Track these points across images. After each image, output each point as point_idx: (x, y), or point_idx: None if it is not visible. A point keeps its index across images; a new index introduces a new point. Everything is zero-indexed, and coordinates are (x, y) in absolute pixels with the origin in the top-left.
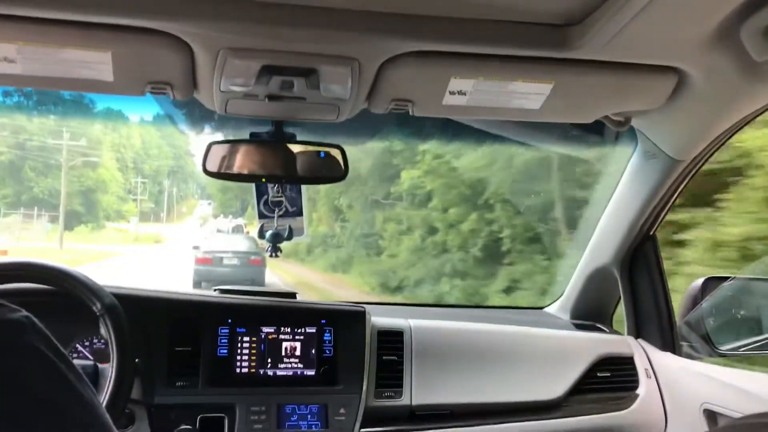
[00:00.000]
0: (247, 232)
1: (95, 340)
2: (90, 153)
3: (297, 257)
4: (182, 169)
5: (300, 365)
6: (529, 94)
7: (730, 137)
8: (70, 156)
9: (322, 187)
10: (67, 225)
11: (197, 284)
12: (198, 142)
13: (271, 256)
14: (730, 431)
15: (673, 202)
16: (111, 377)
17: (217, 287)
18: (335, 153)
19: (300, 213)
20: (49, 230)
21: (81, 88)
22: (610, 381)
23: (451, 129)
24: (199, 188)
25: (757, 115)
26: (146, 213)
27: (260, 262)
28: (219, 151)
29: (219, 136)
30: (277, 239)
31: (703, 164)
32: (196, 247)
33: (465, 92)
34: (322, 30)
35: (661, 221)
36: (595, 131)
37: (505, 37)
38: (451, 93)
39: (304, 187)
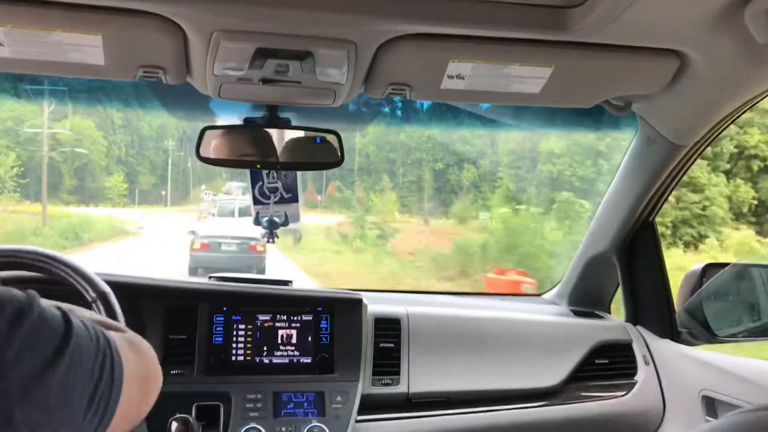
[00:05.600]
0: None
1: None
2: None
3: None
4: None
5: (296, 353)
6: (528, 78)
7: (732, 122)
8: None
9: None
10: None
11: (193, 271)
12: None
13: (268, 241)
14: (740, 418)
15: (673, 188)
16: None
17: (212, 275)
18: (331, 139)
19: (296, 199)
20: None
21: (72, 71)
22: (608, 368)
23: (448, 113)
24: None
25: (760, 99)
26: (145, 192)
27: (262, 248)
28: (213, 137)
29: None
30: (273, 225)
31: (704, 149)
32: (192, 232)
33: (463, 76)
34: (317, 11)
35: (661, 207)
36: (595, 116)
37: (504, 19)
38: (450, 77)
39: (299, 173)
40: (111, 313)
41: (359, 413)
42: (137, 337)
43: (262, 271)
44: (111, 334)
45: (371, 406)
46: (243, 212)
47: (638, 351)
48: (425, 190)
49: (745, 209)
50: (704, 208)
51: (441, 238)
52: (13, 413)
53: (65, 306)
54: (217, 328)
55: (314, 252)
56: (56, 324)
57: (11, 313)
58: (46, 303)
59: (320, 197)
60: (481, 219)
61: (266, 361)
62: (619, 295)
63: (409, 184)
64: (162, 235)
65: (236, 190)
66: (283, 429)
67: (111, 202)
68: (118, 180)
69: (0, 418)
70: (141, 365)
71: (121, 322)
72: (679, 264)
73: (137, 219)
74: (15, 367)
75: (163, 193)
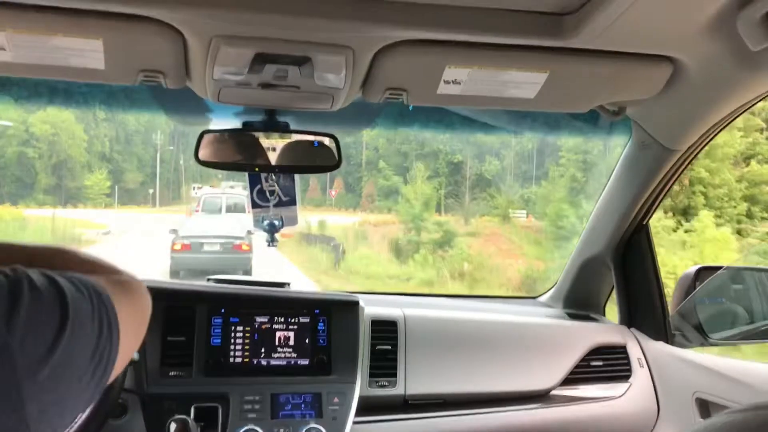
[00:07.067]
0: (249, 212)
1: None
2: None
3: None
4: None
5: (294, 355)
6: (523, 84)
7: (725, 127)
8: None
9: None
10: None
11: (175, 274)
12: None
13: (269, 245)
14: (733, 416)
15: (667, 191)
16: None
17: (210, 277)
18: (329, 142)
19: (294, 202)
20: None
21: (72, 76)
22: (602, 370)
23: (445, 118)
24: None
25: (753, 105)
26: (131, 191)
27: (248, 248)
28: (212, 140)
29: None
30: (273, 228)
31: (697, 154)
32: (173, 231)
33: (460, 81)
34: (315, 18)
35: (654, 211)
36: (589, 121)
37: (500, 26)
38: (446, 82)
39: (297, 177)
40: None
41: (356, 415)
42: (125, 275)
43: (249, 272)
44: (102, 283)
45: (368, 407)
46: (231, 208)
47: (633, 353)
48: (443, 185)
49: None
50: None
51: (500, 242)
52: (24, 399)
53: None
54: (215, 330)
55: (382, 283)
56: (51, 300)
57: (4, 307)
58: (34, 274)
59: (333, 192)
60: (517, 216)
61: (264, 362)
62: (614, 297)
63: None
64: (134, 241)
65: (225, 185)
66: (281, 430)
67: (92, 202)
68: (99, 178)
69: (12, 405)
70: (137, 309)
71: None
72: None
73: (110, 222)
74: (21, 355)
75: (151, 191)
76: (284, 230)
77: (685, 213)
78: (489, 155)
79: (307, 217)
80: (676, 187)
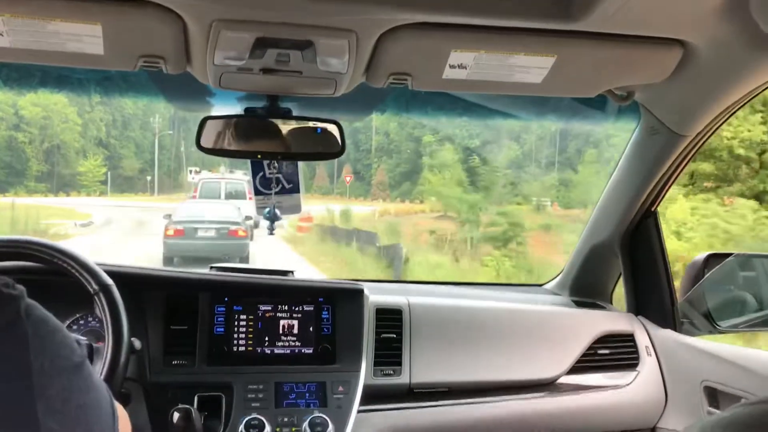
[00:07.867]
0: (250, 198)
1: (90, 319)
2: None
3: None
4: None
5: (298, 343)
6: (530, 68)
7: (735, 111)
8: None
9: None
10: None
11: (168, 260)
12: None
13: (270, 233)
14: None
15: (676, 177)
16: (106, 357)
17: (213, 265)
18: (332, 129)
19: (297, 189)
20: None
21: (71, 61)
22: (610, 358)
23: (450, 103)
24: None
25: (765, 89)
26: (130, 179)
27: (244, 233)
28: (214, 127)
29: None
30: (274, 217)
31: (707, 139)
32: (167, 216)
33: (465, 66)
34: (318, 0)
35: (663, 197)
36: (598, 106)
37: (507, 8)
38: (452, 66)
39: (300, 164)
40: (112, 305)
41: (361, 403)
42: None
43: (246, 259)
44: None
45: (373, 396)
46: (231, 195)
47: (640, 341)
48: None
49: None
50: None
51: (542, 235)
52: (39, 419)
53: None
54: (219, 319)
55: None
56: (76, 345)
57: (39, 325)
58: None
59: (348, 178)
60: (543, 204)
61: (268, 351)
62: (621, 285)
63: (440, 166)
64: (118, 236)
65: (224, 170)
66: (285, 419)
67: (86, 189)
68: (93, 164)
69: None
70: (124, 414)
71: (123, 314)
72: None
73: (100, 211)
74: (41, 374)
75: (150, 179)
76: (300, 223)
77: (759, 199)
78: (508, 140)
79: (329, 206)
80: (745, 171)
